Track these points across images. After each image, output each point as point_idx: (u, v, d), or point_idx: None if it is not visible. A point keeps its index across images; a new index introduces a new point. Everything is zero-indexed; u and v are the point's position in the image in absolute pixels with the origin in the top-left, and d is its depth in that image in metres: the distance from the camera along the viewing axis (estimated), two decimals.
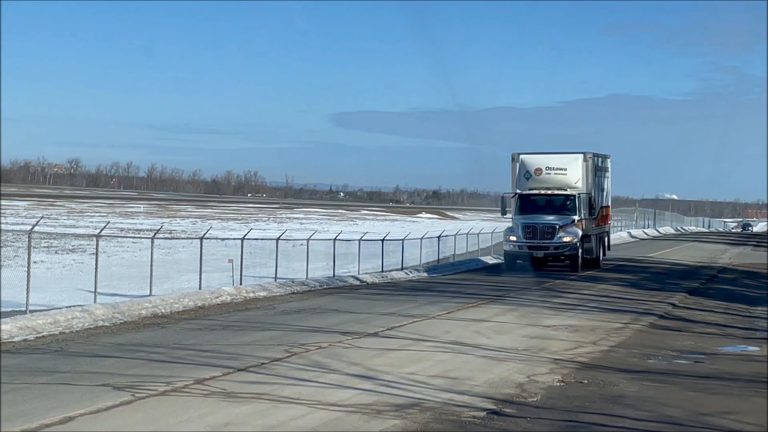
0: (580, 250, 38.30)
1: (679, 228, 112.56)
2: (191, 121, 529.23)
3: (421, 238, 43.57)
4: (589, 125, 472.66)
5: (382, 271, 36.75)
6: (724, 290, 32.54)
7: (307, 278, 31.13)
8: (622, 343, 18.61)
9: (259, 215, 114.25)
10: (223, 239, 41.80)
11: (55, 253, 42.74)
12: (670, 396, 13.26)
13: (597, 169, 41.84)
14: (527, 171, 40.03)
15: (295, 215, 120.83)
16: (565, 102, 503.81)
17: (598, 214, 41.71)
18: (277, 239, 32.04)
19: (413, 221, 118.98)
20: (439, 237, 44.83)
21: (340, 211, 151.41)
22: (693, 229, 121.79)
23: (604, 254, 44.00)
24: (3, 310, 20.36)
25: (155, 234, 28.33)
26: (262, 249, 35.00)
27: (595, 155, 41.42)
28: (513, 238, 38.61)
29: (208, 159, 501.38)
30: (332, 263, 34.53)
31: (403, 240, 41.91)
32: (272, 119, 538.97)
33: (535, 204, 39.11)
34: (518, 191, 39.73)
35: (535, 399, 12.70)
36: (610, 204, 46.64)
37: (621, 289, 31.26)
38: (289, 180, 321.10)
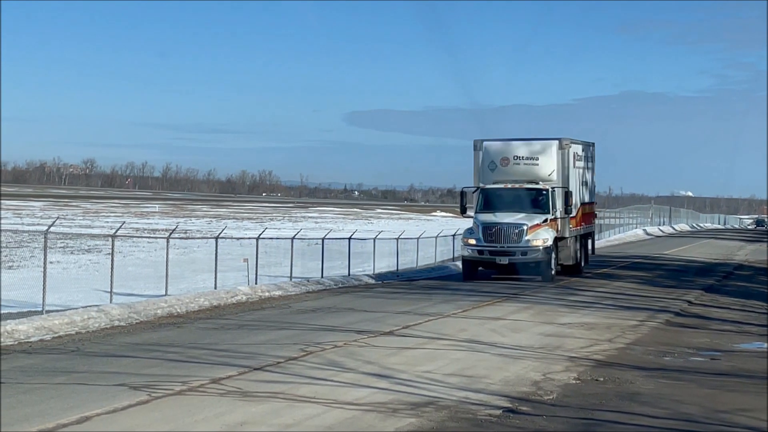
0: (552, 256, 32.35)
1: (694, 225, 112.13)
2: (206, 121, 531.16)
3: (436, 237, 43.56)
4: (603, 123, 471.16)
5: (397, 270, 36.75)
6: (740, 287, 32.44)
7: (322, 277, 31.17)
8: (638, 341, 18.57)
9: (274, 214, 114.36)
10: (238, 239, 41.86)
11: (71, 253, 42.87)
12: (687, 393, 13.24)
13: (577, 159, 35.86)
14: (492, 161, 34.43)
15: (310, 214, 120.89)
16: (580, 99, 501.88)
17: (578, 212, 35.76)
18: (292, 238, 32.09)
19: (428, 220, 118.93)
20: (453, 235, 44.77)
21: (355, 209, 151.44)
22: (709, 225, 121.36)
23: (586, 260, 37.68)
24: (20, 310, 20.51)
25: (170, 234, 28.40)
26: (277, 248, 35.03)
27: (575, 142, 35.58)
28: (472, 242, 32.61)
29: (223, 159, 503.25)
30: (347, 262, 34.56)
31: (417, 239, 41.92)
32: (287, 119, 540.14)
33: (501, 200, 33.38)
34: (481, 185, 34.15)
35: (551, 397, 12.69)
36: (594, 200, 40.33)
37: (636, 287, 31.17)
38: (303, 179, 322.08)
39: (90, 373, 13.81)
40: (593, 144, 39.02)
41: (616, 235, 74.50)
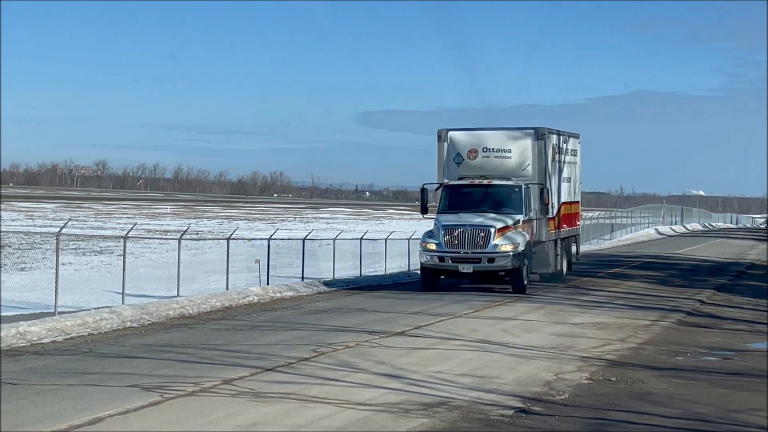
0: (525, 263, 27.92)
1: (706, 224, 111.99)
2: (217, 122, 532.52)
3: None
4: (614, 122, 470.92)
5: (408, 270, 36.73)
6: (753, 287, 32.36)
7: (333, 278, 31.17)
8: (650, 341, 18.54)
9: (286, 215, 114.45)
10: (249, 240, 41.92)
11: (83, 254, 42.99)
12: (699, 393, 13.21)
13: (557, 152, 31.24)
14: (458, 153, 29.90)
15: (321, 215, 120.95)
16: (591, 99, 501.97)
17: (558, 213, 31.20)
18: (304, 239, 32.11)
19: None
20: None
21: (366, 210, 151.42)
22: (721, 225, 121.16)
23: (569, 267, 33.13)
24: (32, 312, 20.60)
25: (182, 235, 28.46)
26: (288, 249, 35.07)
27: (553, 132, 30.87)
28: (432, 247, 27.94)
29: (234, 160, 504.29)
30: (359, 262, 34.56)
31: None
32: (298, 119, 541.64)
33: (467, 199, 29.06)
34: (445, 181, 29.89)
35: (563, 397, 12.67)
36: (578, 199, 35.28)
37: (648, 286, 31.11)
38: (314, 180, 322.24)
39: (102, 374, 13.83)
40: (578, 135, 34.70)
41: (628, 234, 74.47)
